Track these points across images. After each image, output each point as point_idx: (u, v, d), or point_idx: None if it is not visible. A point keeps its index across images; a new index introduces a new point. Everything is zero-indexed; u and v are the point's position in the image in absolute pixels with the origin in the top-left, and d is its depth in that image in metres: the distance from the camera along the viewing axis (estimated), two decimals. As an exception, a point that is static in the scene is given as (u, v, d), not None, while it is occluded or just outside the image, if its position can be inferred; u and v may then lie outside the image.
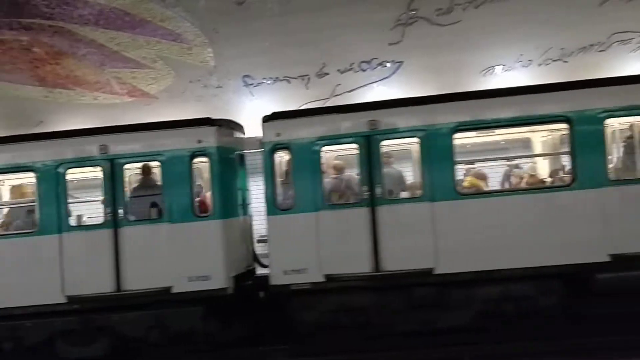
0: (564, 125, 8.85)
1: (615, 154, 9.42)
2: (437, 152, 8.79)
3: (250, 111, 12.54)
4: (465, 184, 9.43)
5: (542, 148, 10.04)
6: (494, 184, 9.99)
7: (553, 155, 10.04)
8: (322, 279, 8.92)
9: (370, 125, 8.98)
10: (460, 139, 9.05)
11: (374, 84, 13.00)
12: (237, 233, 9.69)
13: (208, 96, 13.57)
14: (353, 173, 9.29)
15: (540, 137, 10.00)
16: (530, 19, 12.51)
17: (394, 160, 9.57)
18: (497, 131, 9.46)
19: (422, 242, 8.73)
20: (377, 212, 8.85)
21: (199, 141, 9.16)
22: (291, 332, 9.43)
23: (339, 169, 9.45)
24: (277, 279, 9.00)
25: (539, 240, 8.64)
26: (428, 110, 9.05)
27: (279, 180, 9.23)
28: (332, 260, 8.89)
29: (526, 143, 10.25)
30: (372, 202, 8.86)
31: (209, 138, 9.21)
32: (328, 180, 9.29)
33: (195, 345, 9.36)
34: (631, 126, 9.22)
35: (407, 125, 9.00)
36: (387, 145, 9.20)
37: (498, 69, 12.83)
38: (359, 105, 9.74)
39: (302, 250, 8.97)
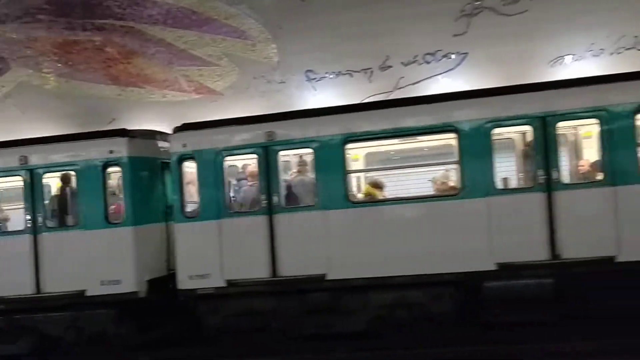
0: (453, 135, 8.97)
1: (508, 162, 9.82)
2: (329, 162, 9.15)
3: (313, 106, 12.60)
4: (363, 192, 9.92)
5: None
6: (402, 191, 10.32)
7: (442, 164, 10.05)
8: (223, 284, 9.41)
9: (267, 137, 9.42)
10: (354, 149, 9.52)
11: (439, 76, 12.80)
12: (154, 239, 10.00)
13: (271, 92, 13.72)
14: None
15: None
16: (602, 7, 12.02)
17: (306, 169, 9.85)
18: (419, 138, 9.65)
19: (316, 249, 9.10)
20: (274, 220, 9.27)
21: (111, 152, 9.70)
22: (202, 335, 9.89)
23: (254, 176, 9.70)
24: (184, 284, 9.51)
25: (430, 248, 8.89)
26: (320, 122, 9.41)
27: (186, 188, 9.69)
28: (233, 266, 9.36)
29: (442, 150, 10.20)
30: (270, 211, 9.28)
31: (121, 148, 9.71)
32: (246, 187, 9.79)
33: (109, 346, 9.81)
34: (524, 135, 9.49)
35: (301, 136, 9.38)
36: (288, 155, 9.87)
37: (567, 58, 12.39)
38: (257, 118, 10.02)
39: (206, 256, 9.43)
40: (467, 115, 8.90)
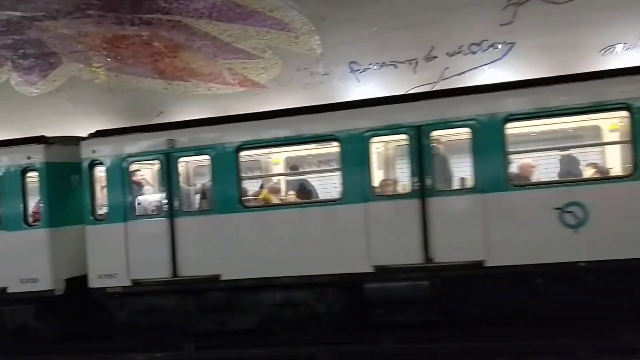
0: (335, 144, 9.45)
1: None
2: (224, 168, 9.70)
3: (357, 97, 12.58)
4: (260, 197, 10.43)
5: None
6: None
7: (328, 171, 10.81)
8: (129, 284, 10.11)
9: (168, 144, 9.99)
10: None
11: (485, 67, 12.61)
12: (72, 240, 10.52)
13: (314, 84, 13.75)
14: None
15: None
16: (655, -7, 11.66)
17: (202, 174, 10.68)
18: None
19: (211, 251, 9.73)
20: (175, 223, 9.88)
21: (29, 157, 10.39)
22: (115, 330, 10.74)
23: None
24: (94, 283, 10.23)
25: (314, 251, 9.35)
26: (216, 131, 9.96)
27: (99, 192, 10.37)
28: (138, 267, 10.04)
29: (329, 157, 10.79)
30: (171, 214, 9.90)
31: (38, 155, 10.37)
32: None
33: (31, 340, 10.65)
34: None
35: (199, 144, 9.95)
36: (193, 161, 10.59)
37: (619, 47, 12.03)
38: (159, 126, 10.69)
39: (113, 257, 10.09)
40: (347, 125, 9.36)
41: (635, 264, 8.39)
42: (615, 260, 8.47)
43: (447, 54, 12.78)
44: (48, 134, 11.23)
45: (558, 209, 8.69)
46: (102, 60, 13.89)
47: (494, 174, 8.86)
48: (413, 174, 9.10)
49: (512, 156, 8.98)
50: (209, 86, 14.37)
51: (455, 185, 9.61)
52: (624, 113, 8.63)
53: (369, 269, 9.19)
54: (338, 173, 9.58)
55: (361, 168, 9.23)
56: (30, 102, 14.52)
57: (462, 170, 9.60)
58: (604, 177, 9.14)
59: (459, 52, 12.71)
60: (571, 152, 9.88)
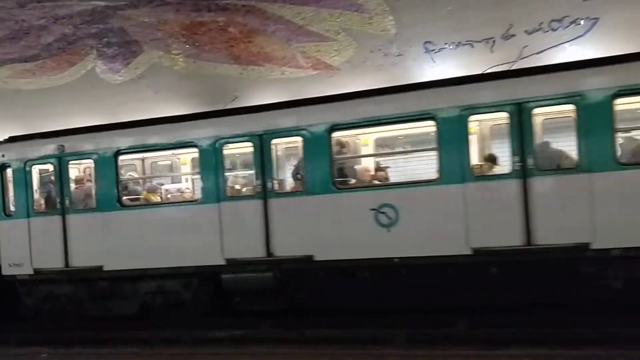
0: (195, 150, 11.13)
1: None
2: (105, 171, 11.42)
3: (432, 78, 12.39)
4: (143, 197, 11.88)
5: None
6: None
7: (189, 174, 12.74)
8: (32, 272, 11.89)
9: (58, 150, 11.74)
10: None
11: (566, 44, 12.11)
12: None
13: (388, 65, 13.62)
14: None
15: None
16: None
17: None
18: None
19: (96, 244, 11.35)
20: (66, 219, 11.60)
21: None
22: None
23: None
24: (6, 271, 12.07)
25: (180, 245, 10.82)
26: (95, 138, 11.63)
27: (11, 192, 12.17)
28: (39, 257, 11.81)
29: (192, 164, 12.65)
30: (63, 211, 11.63)
31: None
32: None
33: None
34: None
35: (85, 149, 11.66)
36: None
37: None
38: (54, 133, 12.15)
39: (20, 248, 11.87)
40: (202, 134, 10.83)
41: (438, 260, 9.57)
42: (422, 257, 9.63)
43: (525, 31, 12.33)
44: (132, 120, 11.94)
45: (373, 209, 9.81)
46: (181, 47, 14.25)
47: (322, 178, 10.13)
48: (257, 177, 10.56)
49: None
50: (282, 70, 14.49)
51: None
52: (431, 122, 9.59)
53: (222, 262, 10.66)
54: (198, 176, 11.15)
55: (215, 172, 10.76)
56: (114, 89, 15.13)
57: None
58: (412, 182, 10.11)
59: (538, 30, 12.24)
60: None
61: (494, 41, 12.54)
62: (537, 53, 12.22)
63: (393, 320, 10.28)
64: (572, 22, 12.04)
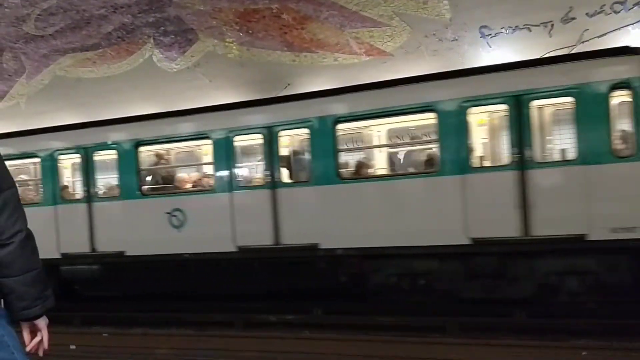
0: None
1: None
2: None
3: (487, 63, 12.15)
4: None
5: None
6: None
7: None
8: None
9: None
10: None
11: (629, 27, 11.63)
12: None
13: (443, 50, 13.39)
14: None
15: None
16: None
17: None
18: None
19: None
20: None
21: None
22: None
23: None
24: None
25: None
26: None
27: None
28: None
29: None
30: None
31: None
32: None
33: None
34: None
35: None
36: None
37: None
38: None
39: None
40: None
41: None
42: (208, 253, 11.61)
43: (586, 14, 11.89)
44: (187, 108, 12.22)
45: (168, 213, 11.83)
46: (235, 35, 14.40)
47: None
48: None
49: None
50: (335, 56, 14.45)
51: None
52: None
53: (58, 256, 12.67)
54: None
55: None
56: (170, 77, 15.44)
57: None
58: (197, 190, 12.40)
59: (600, 12, 11.79)
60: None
61: (552, 25, 12.15)
62: (599, 36, 11.78)
63: (446, 309, 10.21)
64: (635, 4, 11.54)
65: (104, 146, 12.76)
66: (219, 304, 12.00)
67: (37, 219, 12.08)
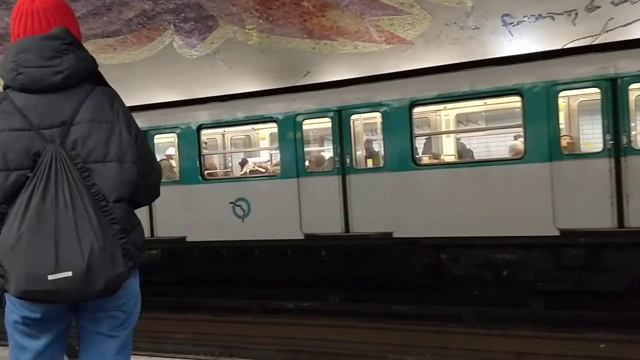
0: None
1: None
2: None
3: (509, 52, 12.01)
4: None
5: None
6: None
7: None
8: None
9: None
10: None
11: (656, 16, 11.43)
12: None
13: (464, 38, 13.24)
14: None
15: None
16: None
17: None
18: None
19: None
20: None
21: None
22: None
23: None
24: None
25: None
26: None
27: None
28: None
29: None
30: None
31: None
32: None
33: None
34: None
35: None
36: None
37: None
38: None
39: None
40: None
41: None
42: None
43: (612, 3, 11.65)
44: (207, 95, 12.26)
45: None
46: (255, 22, 14.36)
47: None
48: None
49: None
50: (355, 44, 14.37)
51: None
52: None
53: None
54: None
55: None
56: (190, 64, 15.48)
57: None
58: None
59: (625, 1, 11.54)
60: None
61: (576, 13, 11.95)
62: (624, 25, 11.58)
63: (461, 298, 10.20)
64: (663, -8, 11.32)
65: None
66: (237, 290, 12.08)
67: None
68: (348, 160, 10.79)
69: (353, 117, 11.19)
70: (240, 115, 12.14)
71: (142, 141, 2.72)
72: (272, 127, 12.33)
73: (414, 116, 10.66)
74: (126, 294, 2.64)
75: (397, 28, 13.90)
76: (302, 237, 10.91)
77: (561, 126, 10.17)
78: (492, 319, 9.45)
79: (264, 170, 13.21)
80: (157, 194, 2.87)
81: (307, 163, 11.56)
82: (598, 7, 11.75)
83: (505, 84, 10.10)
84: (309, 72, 14.39)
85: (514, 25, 12.63)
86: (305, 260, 11.30)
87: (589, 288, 9.51)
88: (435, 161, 11.42)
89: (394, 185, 10.25)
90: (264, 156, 14.19)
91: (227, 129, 13.12)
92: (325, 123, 11.45)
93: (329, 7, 13.87)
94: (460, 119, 12.40)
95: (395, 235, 10.23)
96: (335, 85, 11.70)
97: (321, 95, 11.40)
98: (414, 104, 10.56)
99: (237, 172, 13.74)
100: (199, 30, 14.94)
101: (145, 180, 2.67)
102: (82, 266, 2.31)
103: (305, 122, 11.55)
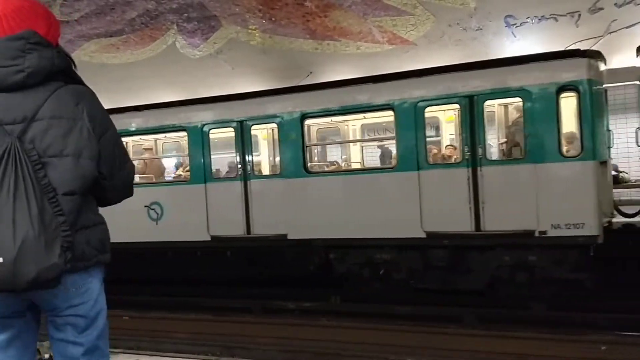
0: None
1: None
2: None
3: (512, 54, 12.00)
4: None
5: None
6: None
7: None
8: None
9: None
10: None
11: (659, 18, 11.42)
12: None
13: (467, 39, 13.26)
14: None
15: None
16: None
17: None
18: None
19: None
20: None
21: None
22: None
23: None
24: None
25: None
26: None
27: None
28: None
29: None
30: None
31: None
32: None
33: None
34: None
35: None
36: None
37: None
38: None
39: None
40: None
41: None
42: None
43: (615, 4, 11.65)
44: (210, 95, 12.27)
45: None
46: (258, 22, 14.38)
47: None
48: None
49: None
50: (358, 45, 14.39)
51: None
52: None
53: None
54: None
55: None
56: (193, 64, 15.51)
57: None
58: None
59: (629, 2, 11.54)
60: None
61: (579, 15, 11.95)
62: (627, 27, 11.58)
63: (463, 300, 10.19)
64: (666, -6, 11.32)
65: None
66: (238, 290, 12.09)
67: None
68: (249, 167, 11.49)
69: (253, 127, 11.72)
70: (152, 124, 12.58)
71: (113, 142, 2.73)
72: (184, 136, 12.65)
73: (306, 127, 11.33)
74: (81, 294, 2.61)
75: (400, 29, 13.90)
76: (209, 238, 11.64)
77: (428, 139, 10.73)
78: (493, 321, 9.45)
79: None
80: (128, 194, 2.85)
81: (213, 170, 12.11)
82: (601, 9, 11.75)
83: (379, 101, 10.63)
84: (311, 72, 14.41)
85: (516, 27, 12.64)
86: (212, 261, 12.08)
87: (455, 287, 10.10)
88: (324, 169, 12.31)
89: (289, 191, 11.01)
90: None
91: (142, 137, 13.37)
92: (229, 133, 11.87)
93: (332, 8, 13.87)
94: (366, 129, 13.15)
95: (289, 237, 11.00)
96: (239, 97, 12.09)
97: (226, 107, 11.86)
98: (305, 116, 11.09)
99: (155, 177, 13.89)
100: (202, 30, 14.95)
101: (112, 180, 2.70)
102: (13, 253, 2.33)
103: (212, 131, 11.93)
